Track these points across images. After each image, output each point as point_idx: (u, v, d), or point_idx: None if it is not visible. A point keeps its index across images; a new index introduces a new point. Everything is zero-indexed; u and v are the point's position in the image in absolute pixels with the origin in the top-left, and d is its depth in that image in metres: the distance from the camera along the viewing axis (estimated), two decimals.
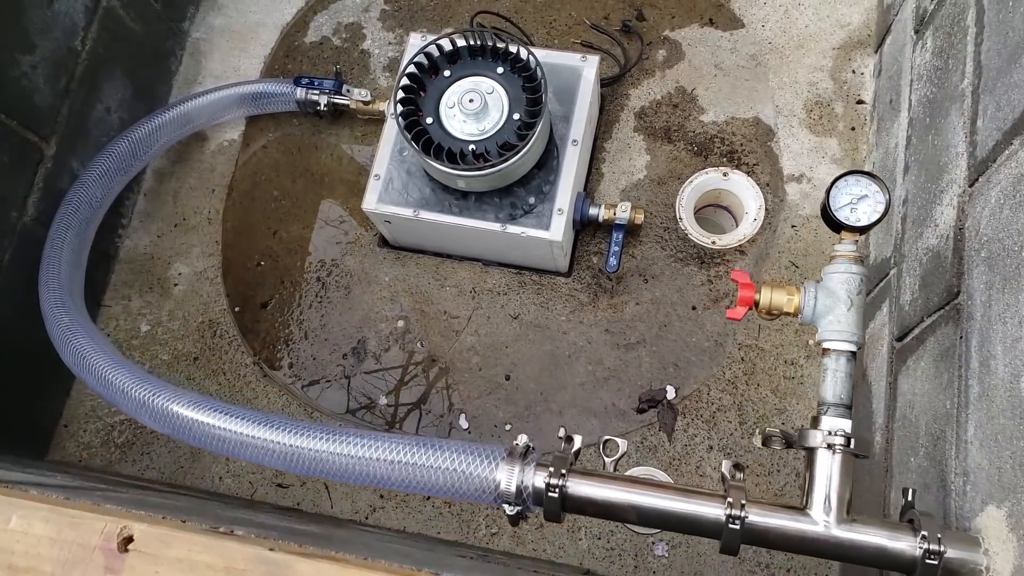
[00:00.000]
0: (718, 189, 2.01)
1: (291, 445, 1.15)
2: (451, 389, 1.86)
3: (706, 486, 1.73)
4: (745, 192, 1.96)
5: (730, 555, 1.01)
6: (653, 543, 1.70)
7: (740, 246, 1.90)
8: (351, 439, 1.14)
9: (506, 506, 1.06)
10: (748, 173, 1.96)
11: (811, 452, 1.03)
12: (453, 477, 1.09)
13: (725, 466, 1.11)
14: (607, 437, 1.21)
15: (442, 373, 1.88)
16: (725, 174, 1.96)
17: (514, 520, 1.07)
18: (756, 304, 1.10)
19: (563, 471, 1.05)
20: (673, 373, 1.82)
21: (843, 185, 1.11)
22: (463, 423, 1.84)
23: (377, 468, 1.13)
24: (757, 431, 1.07)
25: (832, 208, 1.10)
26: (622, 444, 1.19)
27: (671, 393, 1.80)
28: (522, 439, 1.10)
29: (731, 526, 0.99)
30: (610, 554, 1.71)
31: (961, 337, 1.14)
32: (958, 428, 1.09)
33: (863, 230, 1.10)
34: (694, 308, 1.87)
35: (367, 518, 1.82)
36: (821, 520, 0.99)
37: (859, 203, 1.10)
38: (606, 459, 1.19)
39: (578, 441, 1.15)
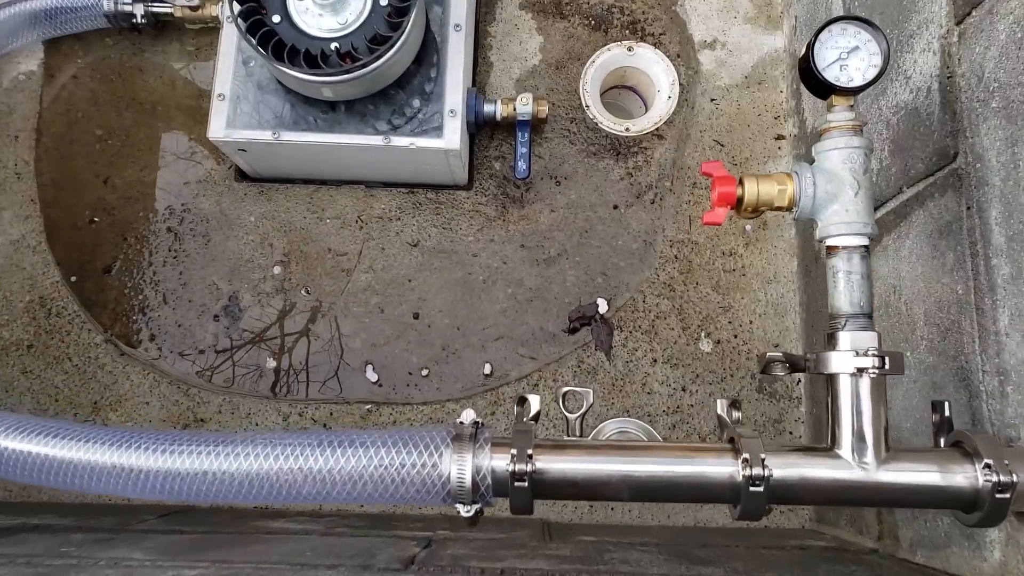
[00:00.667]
0: (624, 67, 1.74)
1: (149, 470, 0.84)
2: (350, 338, 1.57)
3: (685, 433, 1.59)
4: (654, 68, 1.71)
5: (752, 521, 0.81)
6: None
7: (657, 130, 1.66)
8: (238, 448, 0.85)
9: (460, 506, 0.81)
10: (655, 45, 1.71)
11: (832, 379, 0.83)
12: (385, 478, 0.83)
13: (720, 407, 0.90)
14: (566, 389, 0.97)
15: (337, 321, 1.57)
16: (630, 49, 1.70)
17: (473, 520, 0.83)
18: (739, 201, 0.87)
19: (528, 451, 0.81)
20: (602, 284, 1.60)
21: (827, 38, 0.88)
22: (371, 375, 1.56)
23: (281, 480, 0.85)
24: (756, 362, 0.85)
25: (819, 67, 0.86)
26: (587, 395, 0.95)
27: (603, 307, 1.58)
28: (467, 415, 0.85)
29: (753, 488, 0.78)
30: None
31: (969, 207, 0.95)
32: (981, 318, 0.92)
33: (858, 91, 0.87)
34: (616, 207, 1.63)
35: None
36: (856, 462, 0.80)
37: (849, 57, 0.87)
38: (569, 416, 0.96)
39: (535, 403, 0.90)
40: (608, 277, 1.60)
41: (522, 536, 1.24)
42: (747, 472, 0.78)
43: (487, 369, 1.56)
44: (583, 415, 0.96)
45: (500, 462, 0.82)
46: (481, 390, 1.56)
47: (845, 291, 0.83)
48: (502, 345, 1.57)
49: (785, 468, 0.80)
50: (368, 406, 1.56)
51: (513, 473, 0.79)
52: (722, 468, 0.81)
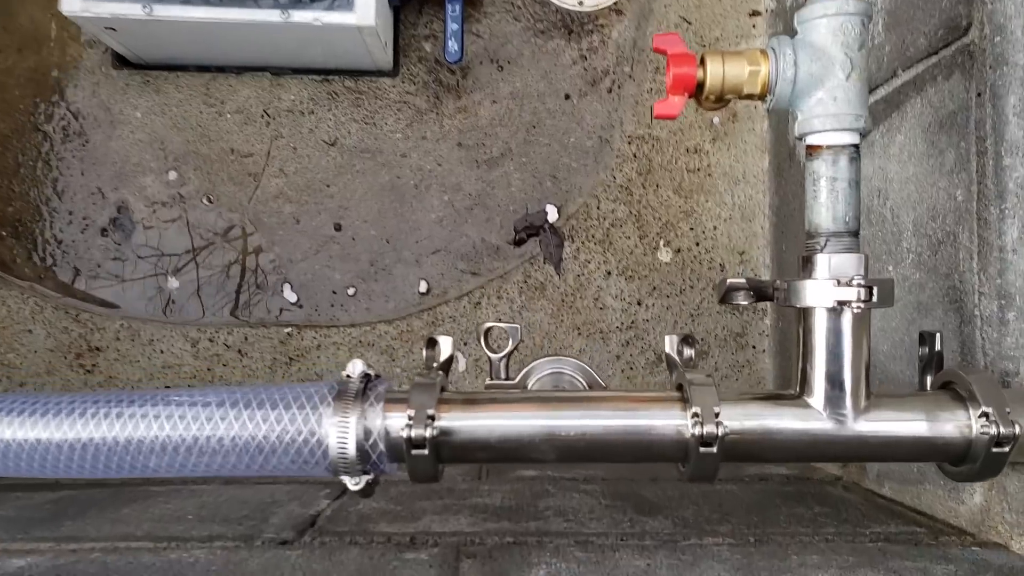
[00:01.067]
0: None
1: None
2: (262, 254, 1.38)
3: (640, 350, 1.43)
4: None
5: (704, 483, 0.66)
6: None
7: (615, 4, 1.44)
8: (50, 410, 0.68)
9: (346, 478, 0.65)
10: None
11: (806, 313, 0.67)
12: (249, 446, 0.66)
13: (669, 344, 0.74)
14: (489, 324, 0.80)
15: (246, 234, 1.38)
16: None
17: (366, 492, 0.67)
18: (699, 87, 0.68)
19: (429, 411, 0.64)
20: (552, 188, 1.41)
21: None
22: (289, 295, 1.38)
23: (113, 450, 0.68)
24: (714, 290, 0.69)
25: None
26: (513, 332, 0.78)
27: (552, 214, 1.40)
28: (355, 367, 0.67)
29: (704, 449, 0.62)
30: None
31: (980, 94, 0.77)
32: (984, 229, 0.75)
33: None
34: (567, 97, 1.43)
35: None
36: (829, 413, 0.65)
37: None
38: (492, 356, 0.79)
39: (446, 346, 0.73)
40: (558, 180, 1.41)
41: (453, 474, 1.10)
42: (697, 431, 0.62)
43: (422, 287, 1.39)
44: (509, 355, 0.79)
45: (396, 422, 0.65)
46: (416, 310, 1.39)
47: (828, 203, 0.65)
48: (439, 260, 1.39)
49: (744, 420, 0.65)
50: (287, 329, 1.39)
51: (409, 440, 0.63)
52: (668, 422, 0.65)
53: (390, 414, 0.66)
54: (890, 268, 0.94)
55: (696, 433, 0.62)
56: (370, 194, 1.39)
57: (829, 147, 0.66)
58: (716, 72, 0.67)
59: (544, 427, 0.66)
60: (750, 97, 0.67)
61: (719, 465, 0.64)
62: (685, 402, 0.66)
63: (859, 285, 0.62)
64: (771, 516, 0.85)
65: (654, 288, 1.39)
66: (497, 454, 0.66)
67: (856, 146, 0.66)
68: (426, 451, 0.63)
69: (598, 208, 1.40)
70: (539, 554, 0.71)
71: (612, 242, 1.40)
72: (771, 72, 0.66)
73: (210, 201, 1.37)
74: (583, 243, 1.40)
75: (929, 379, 0.71)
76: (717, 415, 0.63)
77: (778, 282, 0.69)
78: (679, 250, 1.40)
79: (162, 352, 1.38)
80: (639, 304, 1.39)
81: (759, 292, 0.72)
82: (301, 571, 0.67)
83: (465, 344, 1.38)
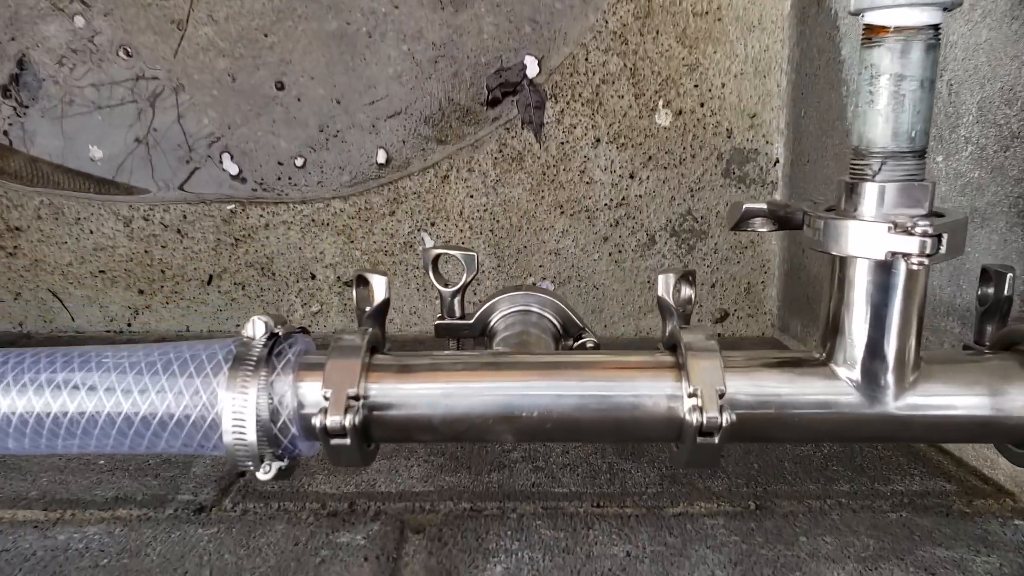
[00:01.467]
0: None
1: None
2: (194, 117, 1.18)
3: (630, 231, 1.22)
4: None
5: (701, 469, 0.53)
6: (535, 283, 1.24)
7: None
8: None
9: (250, 464, 0.52)
10: None
11: (844, 261, 0.50)
12: (128, 425, 0.53)
13: (663, 286, 0.59)
14: (437, 250, 0.64)
15: (176, 94, 1.17)
16: None
17: (285, 474, 0.54)
18: None
19: (350, 391, 0.50)
20: (531, 35, 1.19)
21: None
22: (229, 166, 1.20)
23: None
24: (726, 216, 0.53)
25: None
26: (468, 260, 0.62)
27: (532, 68, 1.19)
28: (256, 327, 0.52)
29: (702, 440, 0.49)
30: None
31: None
32: None
33: None
34: None
35: (130, 326, 1.25)
36: (866, 390, 0.51)
37: None
38: (442, 290, 0.64)
39: (379, 287, 0.58)
40: (539, 25, 1.19)
41: None
42: (696, 418, 0.48)
43: (380, 156, 1.20)
44: (463, 289, 0.64)
45: (313, 395, 0.51)
46: (375, 184, 1.21)
47: (888, 110, 0.48)
48: (399, 124, 1.20)
49: (755, 394, 0.51)
50: (230, 206, 1.22)
51: (324, 428, 0.49)
52: (657, 396, 0.51)
53: (304, 384, 0.52)
54: (938, 160, 0.77)
55: (694, 421, 0.48)
56: (315, 44, 1.17)
57: (899, 30, 0.47)
58: None
59: (500, 403, 0.52)
60: None
61: (720, 452, 0.50)
62: (680, 369, 0.52)
63: (924, 233, 0.45)
64: (774, 463, 0.73)
65: (649, 158, 1.21)
66: (442, 435, 0.53)
67: (937, 28, 0.48)
68: (347, 440, 0.49)
69: (586, 60, 1.19)
70: (499, 531, 0.59)
71: (602, 102, 1.20)
72: None
73: (128, 55, 1.15)
74: (568, 104, 1.20)
75: (988, 330, 0.57)
76: (722, 396, 0.49)
77: (808, 210, 0.52)
78: (680, 112, 1.20)
79: (91, 232, 1.22)
80: (631, 177, 1.22)
81: (783, 220, 0.56)
82: (208, 567, 0.55)
83: (432, 224, 1.22)
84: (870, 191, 0.49)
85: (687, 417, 0.49)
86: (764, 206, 0.56)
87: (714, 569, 0.54)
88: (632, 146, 1.21)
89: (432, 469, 0.71)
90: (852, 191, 0.50)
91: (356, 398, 0.50)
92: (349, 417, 0.49)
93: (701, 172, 1.22)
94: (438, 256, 0.63)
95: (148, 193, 1.21)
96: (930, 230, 0.45)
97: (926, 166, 0.49)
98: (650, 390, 0.52)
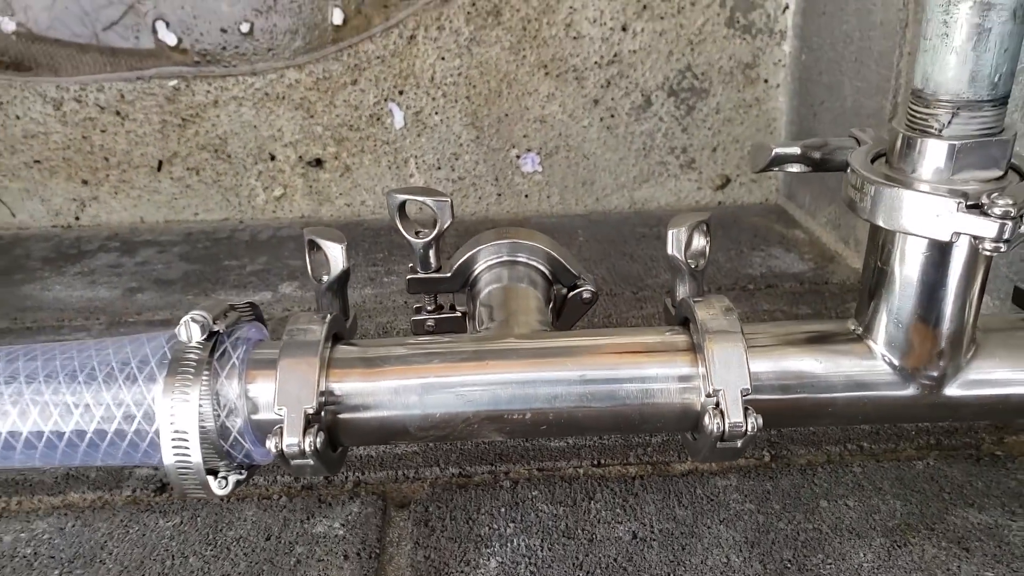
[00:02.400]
0: None
1: None
2: None
3: (624, 91, 1.04)
4: None
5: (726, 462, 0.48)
6: (518, 156, 1.13)
7: None
8: None
9: (199, 490, 0.46)
10: None
11: (899, 237, 0.42)
12: (55, 434, 0.46)
13: (672, 240, 0.50)
14: (403, 196, 0.54)
15: None
16: None
17: (246, 480, 0.48)
18: None
19: (308, 407, 0.43)
20: None
21: None
22: (166, 35, 1.05)
23: None
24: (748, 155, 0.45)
25: None
26: (441, 208, 0.53)
27: None
28: (190, 330, 0.44)
29: (723, 445, 0.43)
30: (460, 186, 1.14)
31: None
32: None
33: None
34: None
35: (78, 219, 1.15)
36: (911, 373, 0.45)
37: None
38: (414, 241, 0.55)
39: (336, 255, 0.49)
40: None
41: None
42: (718, 424, 0.42)
43: (337, 16, 1.05)
44: (437, 239, 0.55)
45: (268, 396, 0.44)
46: (333, 49, 1.07)
47: (969, 48, 0.37)
48: None
49: (783, 377, 0.45)
50: (173, 82, 1.07)
51: (282, 454, 0.42)
52: (671, 386, 0.44)
53: (255, 385, 0.45)
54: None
55: (715, 429, 0.42)
56: None
57: None
58: None
59: (487, 402, 0.45)
60: None
61: (744, 449, 0.44)
62: (695, 353, 0.45)
63: (1004, 215, 0.36)
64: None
65: (644, 7, 1.06)
66: (420, 439, 0.46)
67: None
68: (310, 461, 0.43)
69: None
70: (491, 508, 0.54)
71: None
72: None
73: None
74: None
75: None
76: (746, 395, 0.42)
77: (855, 162, 0.43)
78: None
79: (18, 118, 1.08)
80: (624, 30, 1.07)
81: (818, 163, 0.46)
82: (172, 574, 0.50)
83: (401, 94, 1.09)
84: (935, 149, 0.39)
85: (706, 421, 0.43)
86: (796, 149, 0.46)
87: (728, 553, 0.49)
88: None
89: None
90: (911, 146, 0.40)
91: (317, 414, 0.43)
92: (309, 439, 0.42)
93: (702, 21, 1.08)
94: (404, 202, 0.54)
95: (77, 72, 1.06)
96: (1013, 210, 0.36)
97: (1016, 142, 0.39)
98: (663, 381, 0.45)
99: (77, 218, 1.15)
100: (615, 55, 1.08)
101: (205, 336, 0.44)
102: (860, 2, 0.88)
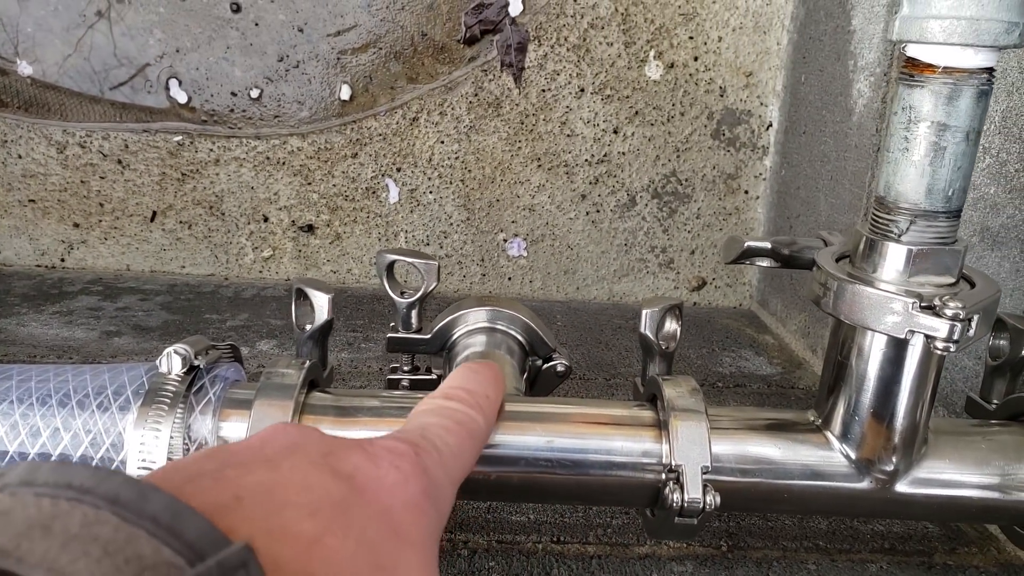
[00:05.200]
0: None
1: None
2: (139, 39, 1.06)
3: (610, 190, 1.10)
4: None
5: (680, 540, 0.49)
6: (505, 240, 1.17)
7: None
8: None
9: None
10: None
11: (856, 332, 0.44)
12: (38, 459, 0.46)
13: (645, 320, 0.52)
14: (392, 257, 0.56)
15: (112, 11, 1.05)
16: None
17: None
18: None
19: None
20: None
21: None
22: (177, 93, 1.09)
23: None
24: (721, 250, 0.47)
25: None
26: (427, 269, 0.55)
27: (515, 5, 1.08)
28: (172, 362, 0.45)
29: (681, 520, 0.44)
30: (446, 263, 1.17)
31: None
32: None
33: None
34: None
35: (63, 261, 1.16)
36: (865, 467, 0.46)
37: None
38: (398, 300, 0.57)
39: (322, 304, 0.51)
40: None
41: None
42: (677, 498, 0.43)
43: (344, 92, 1.10)
44: (421, 300, 0.57)
45: (237, 435, 0.45)
46: (337, 122, 1.11)
47: (926, 163, 0.41)
48: (366, 59, 1.09)
49: (742, 461, 0.46)
50: (178, 137, 1.11)
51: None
52: (635, 461, 0.46)
53: (228, 423, 0.46)
54: None
55: (674, 502, 0.43)
56: None
57: (948, 71, 0.39)
58: None
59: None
60: None
61: (700, 528, 0.45)
62: (660, 429, 0.46)
63: (955, 316, 0.39)
64: None
65: (636, 113, 1.12)
66: None
67: (991, 73, 0.40)
68: None
69: (575, 1, 1.08)
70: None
71: (589, 49, 1.10)
72: None
73: None
74: (552, 48, 1.09)
75: (998, 389, 0.52)
76: (706, 472, 0.43)
77: (821, 260, 0.46)
78: (672, 65, 1.11)
79: (20, 157, 1.11)
80: (615, 132, 1.13)
81: (787, 260, 0.49)
82: None
83: (399, 171, 1.13)
84: (894, 253, 0.42)
85: (666, 494, 0.44)
86: (767, 244, 0.49)
87: None
88: (618, 99, 1.12)
89: None
90: (872, 248, 0.43)
91: None
92: None
93: (689, 131, 1.14)
94: (393, 262, 0.56)
95: (88, 119, 1.09)
96: (962, 313, 0.39)
97: (967, 251, 0.43)
98: (627, 455, 0.46)
99: (63, 260, 1.16)
100: (605, 155, 1.14)
101: (185, 370, 0.46)
102: (837, 125, 0.94)
